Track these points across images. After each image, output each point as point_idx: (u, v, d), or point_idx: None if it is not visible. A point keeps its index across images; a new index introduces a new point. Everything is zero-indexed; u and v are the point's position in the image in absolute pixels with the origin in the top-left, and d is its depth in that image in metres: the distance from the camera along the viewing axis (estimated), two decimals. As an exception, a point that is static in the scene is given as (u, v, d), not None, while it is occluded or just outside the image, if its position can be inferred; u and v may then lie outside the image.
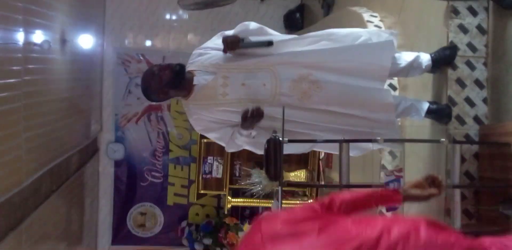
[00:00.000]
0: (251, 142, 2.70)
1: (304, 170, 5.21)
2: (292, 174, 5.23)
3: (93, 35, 6.33)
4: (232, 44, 2.73)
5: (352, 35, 2.88)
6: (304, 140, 2.48)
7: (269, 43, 2.74)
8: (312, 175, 5.17)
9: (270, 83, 2.72)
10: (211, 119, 2.80)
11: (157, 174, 7.13)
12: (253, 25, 2.87)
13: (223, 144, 2.88)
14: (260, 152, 2.55)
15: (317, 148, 3.08)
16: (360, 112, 2.71)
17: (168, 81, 2.72)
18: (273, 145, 2.35)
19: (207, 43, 2.91)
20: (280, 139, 2.36)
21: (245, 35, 2.78)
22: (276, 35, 2.94)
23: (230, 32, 2.85)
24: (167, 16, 7.51)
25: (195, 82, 2.78)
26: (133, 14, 7.29)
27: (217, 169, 5.62)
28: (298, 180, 5.18)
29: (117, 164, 7.07)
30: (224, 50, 2.76)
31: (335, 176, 4.84)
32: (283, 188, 2.50)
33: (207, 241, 6.52)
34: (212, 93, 2.77)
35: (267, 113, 2.55)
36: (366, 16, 4.20)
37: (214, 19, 7.36)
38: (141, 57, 7.26)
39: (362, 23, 4.21)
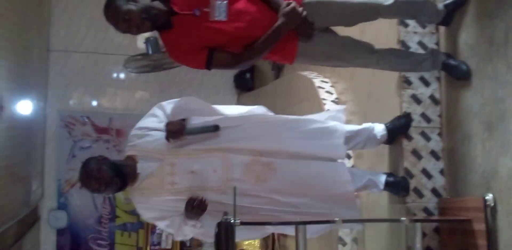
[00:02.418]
0: (199, 232, 2.50)
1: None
2: (246, 242, 5.00)
3: (35, 98, 6.10)
4: (176, 134, 2.55)
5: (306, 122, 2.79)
6: (258, 222, 2.31)
7: (216, 128, 2.57)
8: (266, 243, 4.95)
9: (221, 169, 2.55)
10: (160, 206, 2.58)
11: (103, 242, 6.77)
12: (196, 102, 2.73)
13: (172, 232, 2.68)
14: (210, 240, 2.35)
15: (273, 230, 2.90)
16: (318, 192, 2.58)
17: (110, 183, 2.51)
18: (224, 229, 2.16)
19: (144, 121, 2.69)
20: (232, 221, 2.18)
21: (188, 116, 2.63)
22: (222, 112, 2.79)
23: (168, 107, 2.69)
24: (114, 76, 7.34)
25: (139, 170, 2.56)
26: (78, 74, 7.10)
27: (167, 239, 5.34)
28: (252, 249, 4.96)
29: (60, 232, 6.68)
30: (167, 138, 2.59)
31: (290, 244, 4.65)
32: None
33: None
34: (159, 183, 2.57)
35: (218, 200, 2.37)
36: (317, 81, 4.15)
37: (163, 79, 7.25)
38: (86, 120, 7.03)
39: (312, 89, 4.15)
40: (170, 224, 2.61)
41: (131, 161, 2.59)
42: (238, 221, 2.17)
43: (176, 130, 2.54)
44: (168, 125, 2.57)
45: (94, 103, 7.27)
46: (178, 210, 2.54)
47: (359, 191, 2.87)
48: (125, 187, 2.58)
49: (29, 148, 6.09)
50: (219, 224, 2.15)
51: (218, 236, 2.16)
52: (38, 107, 6.34)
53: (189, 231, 2.57)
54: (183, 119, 2.62)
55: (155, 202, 2.59)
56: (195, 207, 2.45)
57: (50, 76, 6.93)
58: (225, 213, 2.24)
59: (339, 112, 2.91)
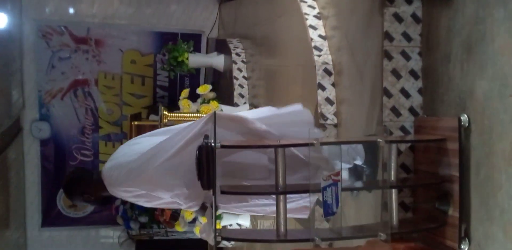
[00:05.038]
0: None
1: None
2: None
3: (9, 8, 5.91)
4: None
5: None
6: (239, 145, 2.35)
7: None
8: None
9: None
10: None
11: (87, 152, 6.89)
12: None
13: None
14: None
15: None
16: None
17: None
18: (205, 152, 2.21)
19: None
20: (213, 144, 2.22)
21: None
22: None
23: None
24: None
25: None
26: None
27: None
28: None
29: (43, 143, 6.78)
30: None
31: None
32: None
33: (143, 219, 6.41)
34: None
35: None
36: (298, -7, 4.04)
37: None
38: (64, 29, 6.88)
39: (294, 2, 4.06)
40: None
41: None
42: (219, 144, 2.22)
43: None
44: None
45: (71, 11, 7.08)
46: None
47: None
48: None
49: (7, 59, 6.00)
50: (200, 148, 2.20)
51: (199, 159, 2.22)
52: (14, 17, 6.16)
53: None
54: None
55: None
56: None
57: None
58: (206, 136, 2.28)
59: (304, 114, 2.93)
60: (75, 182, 2.92)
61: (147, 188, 2.64)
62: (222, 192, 2.23)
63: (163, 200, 2.73)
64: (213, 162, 2.19)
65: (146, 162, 2.65)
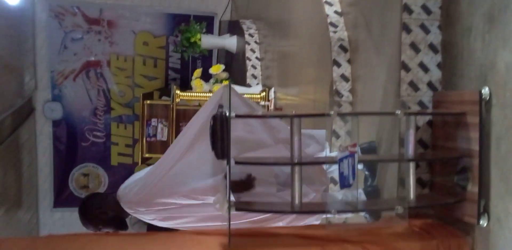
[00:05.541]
0: None
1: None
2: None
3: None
4: None
5: None
6: (252, 115, 2.31)
7: None
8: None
9: None
10: None
11: (99, 134, 6.88)
12: None
13: None
14: None
15: None
16: None
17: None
18: (220, 121, 2.17)
19: None
20: (227, 114, 2.18)
21: None
22: None
23: None
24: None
25: None
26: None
27: (162, 132, 5.41)
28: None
29: (56, 123, 6.77)
30: None
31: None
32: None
33: (154, 200, 6.38)
34: None
35: None
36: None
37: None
38: (76, 10, 6.84)
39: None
40: None
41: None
42: (234, 114, 2.17)
43: None
44: None
45: (84, -8, 7.04)
46: None
47: None
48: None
49: (19, 39, 5.97)
50: (214, 118, 2.15)
51: (213, 128, 2.17)
52: (26, -4, 6.13)
53: None
54: None
55: None
56: None
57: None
58: (220, 106, 2.23)
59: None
60: (90, 200, 3.03)
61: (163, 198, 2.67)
62: (237, 163, 2.19)
63: (179, 220, 2.76)
64: (228, 131, 2.15)
65: (159, 170, 2.72)
